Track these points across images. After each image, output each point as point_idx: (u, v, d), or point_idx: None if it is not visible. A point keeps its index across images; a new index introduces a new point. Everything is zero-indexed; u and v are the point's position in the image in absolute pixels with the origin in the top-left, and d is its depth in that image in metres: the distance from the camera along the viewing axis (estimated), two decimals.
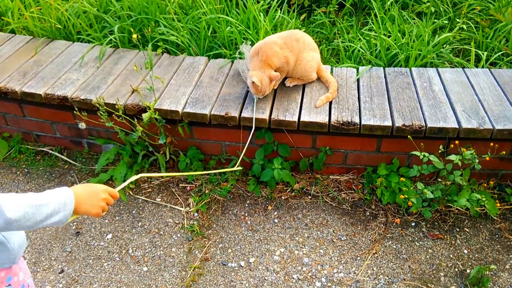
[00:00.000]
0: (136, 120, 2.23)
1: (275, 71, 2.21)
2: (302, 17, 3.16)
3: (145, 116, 2.16)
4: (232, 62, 2.58)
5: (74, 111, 2.32)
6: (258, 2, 2.98)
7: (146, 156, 2.49)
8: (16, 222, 1.01)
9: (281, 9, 3.02)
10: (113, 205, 2.37)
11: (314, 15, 3.26)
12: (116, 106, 2.20)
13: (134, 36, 2.23)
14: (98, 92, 2.35)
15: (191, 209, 2.33)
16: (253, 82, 2.11)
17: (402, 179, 2.22)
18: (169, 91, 2.35)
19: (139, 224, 2.27)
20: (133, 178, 1.39)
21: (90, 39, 2.86)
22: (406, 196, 2.09)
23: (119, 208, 2.35)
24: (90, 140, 2.60)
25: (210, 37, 2.77)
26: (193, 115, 2.23)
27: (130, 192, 2.43)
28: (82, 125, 2.25)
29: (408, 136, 2.07)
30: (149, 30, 2.69)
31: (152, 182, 2.49)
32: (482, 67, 2.57)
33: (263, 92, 2.18)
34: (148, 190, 2.45)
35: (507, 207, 2.27)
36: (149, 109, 2.17)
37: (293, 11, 3.07)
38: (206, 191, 2.40)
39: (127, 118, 2.28)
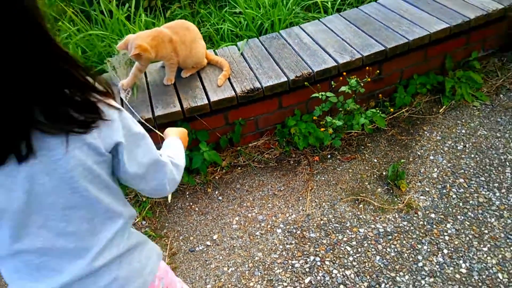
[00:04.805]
0: None
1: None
2: (167, 14, 3.29)
3: None
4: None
5: None
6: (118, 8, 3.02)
7: None
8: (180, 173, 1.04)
9: (138, 14, 3.10)
10: None
11: (172, 13, 3.41)
12: None
13: None
14: None
15: (137, 219, 2.36)
16: (137, 47, 2.13)
17: (313, 118, 2.57)
18: None
19: None
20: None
21: None
22: (324, 129, 2.43)
23: None
24: None
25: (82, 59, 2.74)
26: None
27: None
28: None
29: (305, 83, 2.40)
30: None
31: None
32: (331, 14, 3.04)
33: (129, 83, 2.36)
34: None
35: (390, 116, 2.79)
36: None
37: (155, 11, 3.19)
38: (144, 199, 2.45)
39: None
